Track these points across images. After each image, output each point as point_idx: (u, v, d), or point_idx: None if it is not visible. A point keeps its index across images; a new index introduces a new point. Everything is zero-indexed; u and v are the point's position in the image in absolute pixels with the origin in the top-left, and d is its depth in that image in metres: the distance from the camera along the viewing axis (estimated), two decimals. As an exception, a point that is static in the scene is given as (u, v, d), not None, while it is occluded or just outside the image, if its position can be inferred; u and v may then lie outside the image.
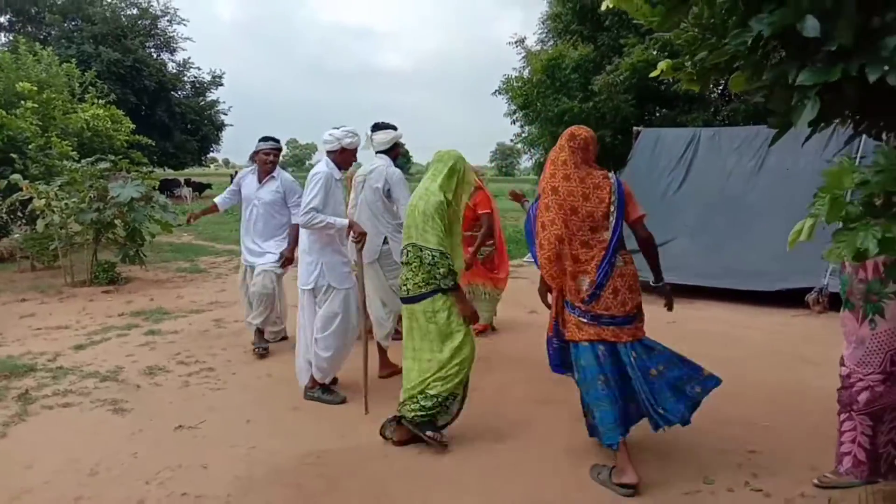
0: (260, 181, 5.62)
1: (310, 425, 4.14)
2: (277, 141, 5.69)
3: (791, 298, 7.35)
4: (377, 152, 4.95)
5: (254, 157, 5.68)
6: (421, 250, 3.63)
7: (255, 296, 5.58)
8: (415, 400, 3.70)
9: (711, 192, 8.97)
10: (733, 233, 8.34)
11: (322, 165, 4.45)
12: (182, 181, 32.58)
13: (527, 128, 14.91)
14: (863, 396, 3.10)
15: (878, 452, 3.16)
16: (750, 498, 3.22)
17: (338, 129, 4.52)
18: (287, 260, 5.62)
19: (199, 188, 34.07)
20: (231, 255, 11.87)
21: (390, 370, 4.99)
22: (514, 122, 14.97)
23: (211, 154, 42.22)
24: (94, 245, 8.93)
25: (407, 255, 3.72)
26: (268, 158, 5.59)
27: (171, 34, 33.12)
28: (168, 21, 32.62)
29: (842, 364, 3.23)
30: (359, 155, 4.77)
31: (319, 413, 4.34)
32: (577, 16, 13.50)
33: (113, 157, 9.30)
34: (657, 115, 12.63)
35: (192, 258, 11.68)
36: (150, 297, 8.07)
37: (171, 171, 35.73)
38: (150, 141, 13.57)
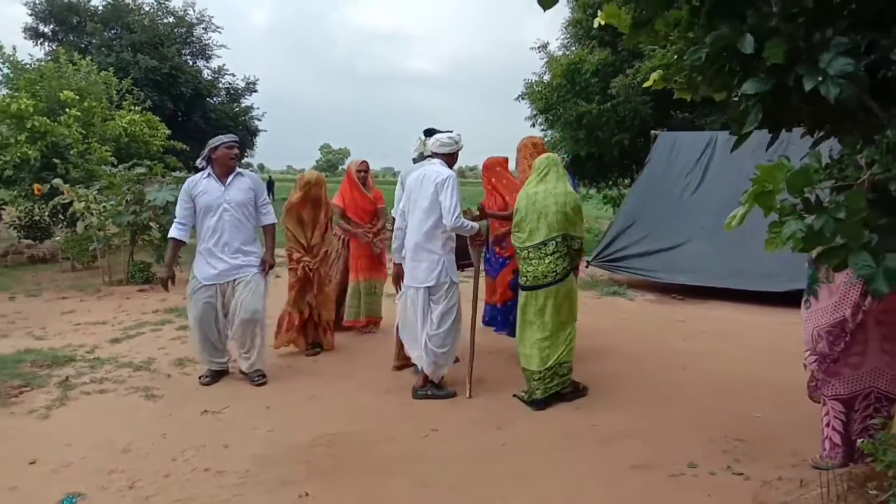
0: (223, 182, 4.93)
1: (324, 412, 4.45)
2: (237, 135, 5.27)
3: (801, 299, 7.44)
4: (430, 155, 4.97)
5: (210, 156, 4.94)
6: (573, 239, 4.47)
7: (246, 324, 4.92)
8: (557, 373, 4.50)
9: (727, 195, 9.02)
10: (747, 235, 8.36)
11: (443, 167, 4.67)
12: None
13: (548, 131, 15.14)
14: (811, 385, 3.34)
15: (851, 439, 3.34)
16: (730, 480, 3.42)
17: (450, 132, 4.83)
18: (269, 266, 5.11)
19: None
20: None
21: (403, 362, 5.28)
22: (533, 125, 15.22)
23: (245, 159, 43.06)
24: (131, 246, 9.39)
25: (555, 245, 4.42)
26: (231, 153, 4.95)
27: (207, 41, 33.87)
28: (203, 29, 33.37)
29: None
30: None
31: (334, 401, 4.64)
32: (597, 21, 13.66)
33: (149, 163, 9.76)
34: (676, 118, 12.76)
35: (224, 259, 12.11)
36: (183, 296, 8.43)
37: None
38: (184, 146, 14.09)
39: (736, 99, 2.52)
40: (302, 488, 3.36)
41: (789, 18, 2.36)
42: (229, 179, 4.95)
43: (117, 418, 4.28)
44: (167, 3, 32.08)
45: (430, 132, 5.06)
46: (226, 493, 3.33)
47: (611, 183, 16.09)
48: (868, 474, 3.02)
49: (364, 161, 6.59)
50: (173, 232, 4.98)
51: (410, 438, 4.01)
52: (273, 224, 5.25)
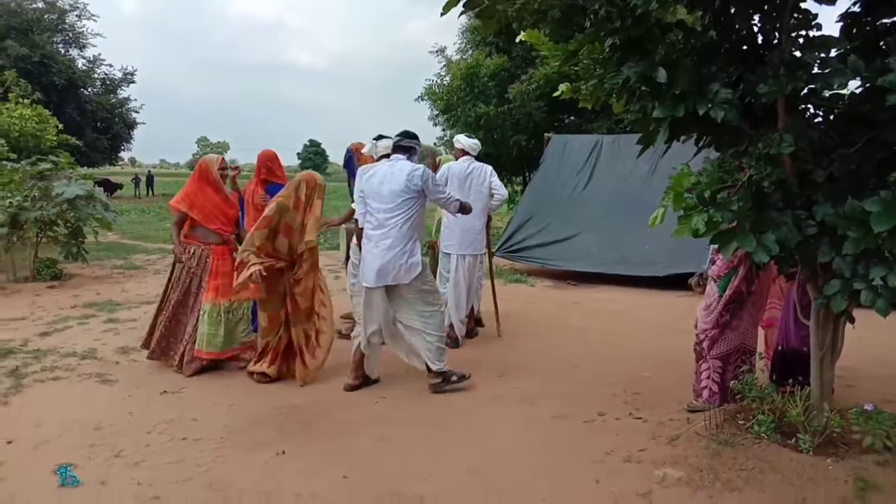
0: None
1: (279, 389, 4.85)
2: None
3: (678, 283, 8.53)
4: (381, 157, 5.42)
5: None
6: None
7: None
8: None
9: (612, 192, 10.14)
10: (631, 227, 9.50)
11: (482, 164, 6.29)
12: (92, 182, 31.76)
13: (448, 131, 15.93)
14: (706, 344, 4.20)
15: (726, 386, 4.21)
16: (633, 423, 4.21)
17: (469, 135, 6.32)
18: None
19: (112, 188, 33.27)
20: (163, 254, 12.19)
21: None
22: (435, 125, 15.99)
23: (122, 153, 41.22)
24: (36, 243, 9.21)
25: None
26: None
27: (81, 29, 32.36)
28: (77, 16, 31.88)
29: (696, 327, 4.33)
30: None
31: (286, 382, 5.00)
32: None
33: (54, 158, 9.57)
34: (567, 121, 13.87)
35: (125, 256, 11.97)
36: (97, 292, 8.47)
37: (81, 170, 34.75)
38: (77, 141, 13.70)
39: (643, 117, 3.25)
40: (277, 448, 3.82)
41: (686, 55, 3.12)
42: None
43: (79, 401, 4.52)
44: (36, -13, 30.34)
45: (379, 137, 5.72)
46: (208, 455, 3.73)
47: (506, 181, 17.15)
48: (738, 410, 3.90)
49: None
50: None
51: (364, 406, 4.53)
52: None
